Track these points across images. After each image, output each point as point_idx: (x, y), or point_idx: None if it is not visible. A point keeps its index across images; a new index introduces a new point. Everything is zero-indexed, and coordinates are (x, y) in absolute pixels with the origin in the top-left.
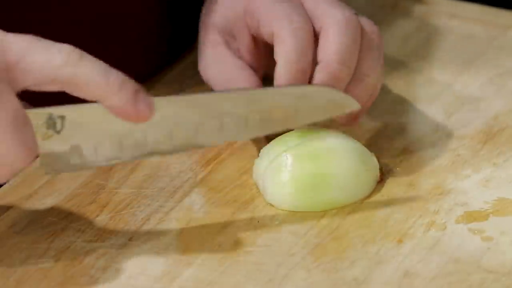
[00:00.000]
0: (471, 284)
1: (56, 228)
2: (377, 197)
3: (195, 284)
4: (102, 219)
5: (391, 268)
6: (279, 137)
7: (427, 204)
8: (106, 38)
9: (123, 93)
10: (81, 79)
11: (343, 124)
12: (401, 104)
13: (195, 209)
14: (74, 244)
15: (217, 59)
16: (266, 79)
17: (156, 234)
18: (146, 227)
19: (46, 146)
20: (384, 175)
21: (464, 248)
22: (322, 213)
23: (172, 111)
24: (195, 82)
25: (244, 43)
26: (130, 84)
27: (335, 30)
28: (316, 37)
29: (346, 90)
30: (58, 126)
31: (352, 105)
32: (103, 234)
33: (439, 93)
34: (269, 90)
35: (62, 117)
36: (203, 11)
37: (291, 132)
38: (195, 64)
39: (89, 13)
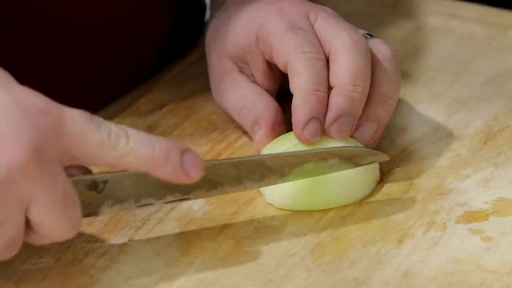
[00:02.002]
0: (471, 284)
1: None
2: (377, 197)
3: (195, 284)
4: (102, 219)
5: (391, 268)
6: (279, 137)
7: (427, 204)
8: (106, 38)
9: (170, 163)
10: (128, 159)
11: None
12: (401, 104)
13: (195, 209)
14: (74, 244)
15: (233, 86)
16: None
17: (156, 234)
18: (146, 227)
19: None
20: (384, 175)
21: (464, 248)
22: (322, 214)
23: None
24: (195, 82)
25: (259, 68)
26: (175, 150)
27: (344, 53)
28: (325, 60)
29: (369, 113)
30: (100, 188)
31: (380, 158)
32: (103, 234)
33: (439, 93)
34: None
35: (105, 182)
36: (208, 35)
37: (291, 132)
38: (195, 64)
39: (89, 13)
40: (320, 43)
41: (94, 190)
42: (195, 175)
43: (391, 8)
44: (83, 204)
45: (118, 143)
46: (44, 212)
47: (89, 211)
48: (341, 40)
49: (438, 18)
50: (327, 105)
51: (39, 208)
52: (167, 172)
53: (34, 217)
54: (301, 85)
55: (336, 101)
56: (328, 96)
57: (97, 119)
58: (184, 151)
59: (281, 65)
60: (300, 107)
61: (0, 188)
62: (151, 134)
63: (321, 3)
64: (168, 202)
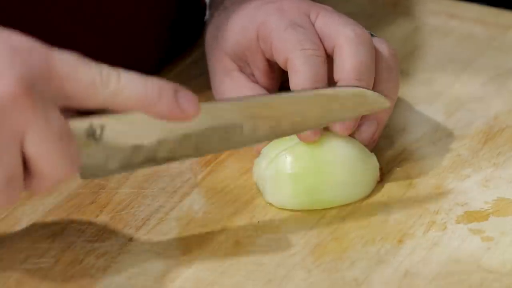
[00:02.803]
0: (471, 284)
1: (56, 228)
2: (377, 197)
3: (195, 284)
4: (102, 219)
5: (391, 268)
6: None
7: (427, 204)
8: (106, 37)
9: (164, 100)
10: (121, 97)
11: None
12: (401, 104)
13: (195, 209)
14: (74, 244)
15: (233, 86)
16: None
17: (156, 234)
18: (146, 227)
19: (85, 153)
20: (384, 175)
21: (464, 248)
22: (322, 213)
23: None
24: (195, 82)
25: (259, 67)
26: (168, 88)
27: (348, 48)
28: (328, 55)
29: None
30: (98, 134)
31: (382, 103)
32: (103, 234)
33: (439, 93)
34: (298, 93)
35: (102, 126)
36: (208, 35)
37: None
38: (195, 64)
39: (90, 11)
40: (320, 40)
41: (92, 137)
42: (191, 110)
43: (391, 7)
44: (84, 156)
45: (110, 80)
46: (39, 145)
47: (91, 167)
48: (345, 35)
49: (438, 18)
50: None
51: (34, 141)
52: (162, 109)
53: (30, 151)
54: (300, 82)
55: None
56: None
57: (88, 60)
58: (177, 89)
59: (281, 62)
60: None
61: None
62: (144, 75)
63: (321, 3)
64: (168, 159)
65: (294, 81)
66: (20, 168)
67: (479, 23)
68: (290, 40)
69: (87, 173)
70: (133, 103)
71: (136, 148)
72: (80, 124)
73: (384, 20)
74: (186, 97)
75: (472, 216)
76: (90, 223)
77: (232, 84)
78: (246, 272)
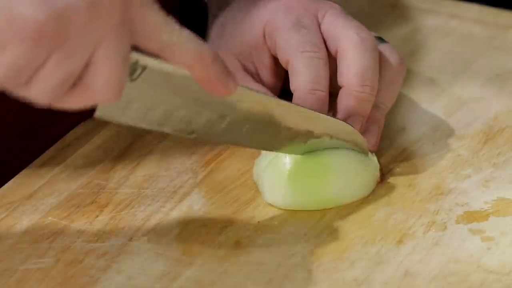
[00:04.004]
0: (471, 284)
1: (56, 228)
2: (377, 197)
3: (195, 284)
4: (102, 219)
5: (391, 268)
6: None
7: (427, 204)
8: None
9: (215, 67)
10: (179, 48)
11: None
12: (401, 104)
13: (195, 209)
14: (74, 244)
15: None
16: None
17: (156, 234)
18: (146, 227)
19: None
20: (384, 175)
21: (464, 248)
22: (322, 214)
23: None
24: None
25: (265, 64)
26: (221, 60)
27: (352, 53)
28: (333, 58)
29: (369, 116)
30: (136, 74)
31: (364, 149)
32: (103, 234)
33: (439, 93)
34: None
35: (144, 67)
36: (212, 34)
37: None
38: None
39: None
40: (324, 41)
41: (130, 75)
42: (233, 86)
43: (391, 8)
44: None
45: (174, 29)
46: (106, 60)
47: (110, 106)
48: (349, 39)
49: (438, 18)
50: (329, 103)
51: (105, 53)
52: (211, 73)
53: (98, 59)
54: (300, 84)
55: (344, 101)
56: (333, 95)
57: (156, 7)
58: (226, 65)
59: (283, 63)
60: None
61: (88, 11)
62: None
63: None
64: (180, 131)
65: (295, 83)
66: (78, 72)
67: (479, 23)
68: (291, 42)
69: (103, 110)
70: (188, 57)
71: (159, 105)
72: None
73: (384, 20)
74: (232, 74)
75: (472, 216)
76: (90, 223)
77: None
78: (246, 272)
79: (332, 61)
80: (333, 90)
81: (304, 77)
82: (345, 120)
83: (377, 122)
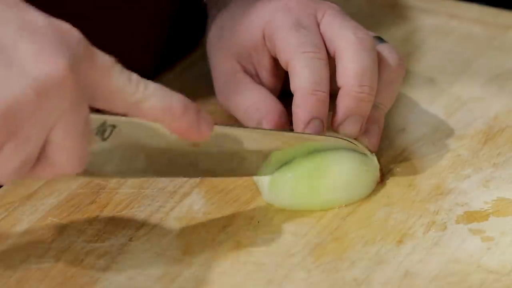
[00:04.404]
0: (471, 284)
1: (56, 228)
2: (377, 197)
3: (195, 284)
4: (102, 219)
5: (391, 269)
6: None
7: (427, 204)
8: (106, 39)
9: (187, 116)
10: (146, 106)
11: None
12: (401, 104)
13: (195, 209)
14: (74, 244)
15: (238, 88)
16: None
17: (156, 234)
18: (146, 227)
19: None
20: (384, 175)
21: (464, 248)
22: (322, 213)
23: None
24: (195, 82)
25: (265, 65)
26: (192, 106)
27: (350, 53)
28: (331, 58)
29: (369, 116)
30: (107, 134)
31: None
32: (103, 234)
33: (439, 93)
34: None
35: (114, 126)
36: (211, 36)
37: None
38: (195, 64)
39: (89, 15)
40: (324, 42)
41: (100, 135)
42: (207, 133)
43: (391, 8)
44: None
45: (138, 87)
46: (65, 136)
47: (89, 165)
48: (346, 39)
49: (438, 18)
50: (329, 104)
51: (63, 130)
52: (183, 124)
53: (55, 138)
54: (301, 85)
55: (344, 102)
56: (333, 95)
57: (120, 64)
58: (199, 110)
59: (283, 64)
60: (301, 108)
61: (37, 99)
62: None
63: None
64: (164, 174)
65: (295, 84)
66: (37, 153)
67: (479, 23)
68: (292, 42)
69: (82, 170)
70: (156, 113)
71: (137, 155)
72: (93, 119)
73: (383, 21)
74: (206, 119)
75: (472, 216)
76: (90, 223)
77: (236, 85)
78: (246, 272)
79: (330, 62)
80: (332, 91)
81: (305, 77)
82: (344, 120)
83: (377, 122)
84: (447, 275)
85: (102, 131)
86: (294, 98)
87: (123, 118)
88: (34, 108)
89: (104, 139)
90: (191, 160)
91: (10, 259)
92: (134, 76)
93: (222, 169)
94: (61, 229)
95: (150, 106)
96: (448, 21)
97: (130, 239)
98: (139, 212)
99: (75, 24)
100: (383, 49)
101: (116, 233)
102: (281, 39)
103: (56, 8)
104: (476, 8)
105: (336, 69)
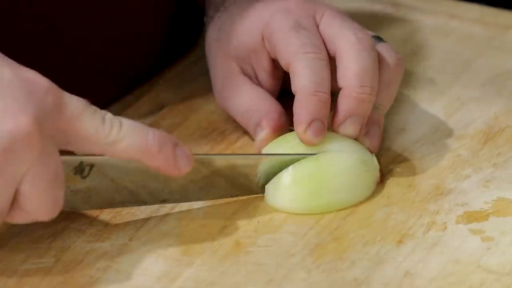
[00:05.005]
0: (471, 284)
1: (56, 228)
2: (377, 197)
3: (195, 284)
4: (102, 219)
5: (391, 269)
6: (279, 138)
7: (427, 204)
8: (105, 40)
9: (163, 153)
10: (121, 147)
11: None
12: (401, 104)
13: (195, 209)
14: (74, 244)
15: (236, 89)
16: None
17: (156, 234)
18: (146, 227)
19: (69, 188)
20: (384, 175)
21: (464, 248)
22: (322, 214)
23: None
24: (195, 82)
25: (264, 67)
26: (168, 142)
27: (350, 54)
28: (332, 59)
29: (369, 117)
30: (86, 173)
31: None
32: (103, 234)
33: (439, 93)
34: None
35: (92, 166)
36: (209, 37)
37: (291, 133)
38: (195, 64)
39: (88, 15)
40: (324, 43)
41: (79, 174)
42: (186, 167)
43: (391, 8)
44: (68, 190)
45: (112, 129)
46: (35, 187)
47: (74, 201)
48: (346, 39)
49: (438, 18)
50: (331, 104)
51: (32, 181)
52: (160, 161)
53: (24, 190)
54: (302, 86)
55: (344, 103)
56: (332, 95)
57: (93, 106)
58: (177, 144)
59: (283, 65)
60: (302, 109)
61: (3, 155)
62: (144, 124)
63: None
64: (150, 202)
65: (296, 85)
66: (9, 205)
67: (479, 23)
68: (292, 43)
69: (68, 206)
70: (132, 153)
71: (120, 189)
72: (70, 160)
73: (384, 21)
74: (184, 152)
75: (472, 216)
76: (90, 223)
77: (235, 87)
78: (246, 272)
79: (331, 62)
80: (332, 90)
81: (307, 78)
82: (345, 121)
83: (377, 123)
84: (447, 275)
85: (81, 170)
86: (295, 98)
87: (100, 158)
88: (1, 162)
89: (83, 177)
90: (177, 187)
91: (10, 259)
92: (108, 117)
93: (209, 195)
94: (61, 229)
95: (125, 146)
96: (448, 21)
97: (130, 239)
98: (139, 212)
99: (74, 26)
100: (382, 48)
101: (116, 233)
102: (281, 40)
103: (55, 10)
104: (476, 8)
105: (337, 70)
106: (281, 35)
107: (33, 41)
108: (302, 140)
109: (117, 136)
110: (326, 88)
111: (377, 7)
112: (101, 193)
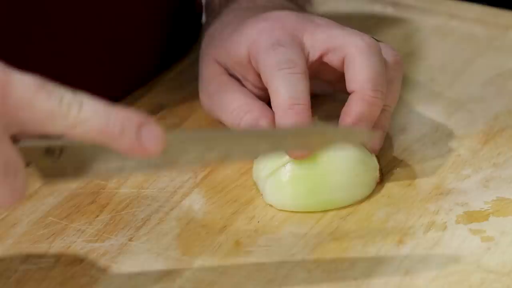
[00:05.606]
0: (471, 284)
1: (56, 228)
2: (377, 197)
3: (195, 285)
4: (102, 219)
5: (391, 268)
6: None
7: (427, 204)
8: (105, 42)
9: (125, 136)
10: (80, 129)
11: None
12: (401, 104)
13: (195, 209)
14: (74, 244)
15: (224, 88)
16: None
17: (156, 234)
18: (146, 227)
19: (43, 165)
20: (384, 175)
21: (464, 248)
22: (322, 214)
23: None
24: (195, 82)
25: (251, 80)
26: (132, 123)
27: (361, 58)
28: (333, 67)
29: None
30: (56, 155)
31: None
32: (103, 234)
33: (439, 93)
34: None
35: (62, 149)
36: (203, 44)
37: None
38: (194, 64)
39: (88, 17)
40: (303, 56)
41: (51, 156)
42: (153, 148)
43: (391, 8)
44: (43, 169)
45: (69, 112)
46: None
47: (51, 175)
48: (355, 45)
49: (438, 18)
50: (332, 105)
51: None
52: (122, 145)
53: None
54: (278, 102)
55: (357, 106)
56: (332, 95)
57: (50, 86)
58: (142, 124)
59: (264, 84)
60: (281, 124)
61: None
62: (110, 105)
63: (322, 5)
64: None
65: (273, 102)
66: None
67: (479, 23)
68: (268, 62)
69: (46, 179)
70: (92, 135)
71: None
72: (38, 143)
73: (384, 21)
74: (151, 133)
75: (472, 216)
76: (90, 223)
77: (222, 86)
78: (246, 272)
79: (330, 70)
80: (331, 91)
81: (283, 94)
82: (356, 124)
83: (382, 126)
84: (447, 275)
85: (52, 152)
86: (275, 116)
87: (67, 141)
88: None
89: (57, 159)
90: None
91: (10, 259)
92: (66, 98)
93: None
94: (61, 229)
95: (85, 129)
96: (448, 21)
97: (130, 239)
98: (139, 212)
99: (72, 28)
100: (382, 49)
101: (116, 233)
102: (262, 59)
103: (53, 11)
104: (476, 8)
105: (346, 75)
106: (262, 52)
107: (31, 43)
108: (290, 156)
109: (76, 119)
110: (303, 99)
111: (377, 7)
112: (76, 169)
